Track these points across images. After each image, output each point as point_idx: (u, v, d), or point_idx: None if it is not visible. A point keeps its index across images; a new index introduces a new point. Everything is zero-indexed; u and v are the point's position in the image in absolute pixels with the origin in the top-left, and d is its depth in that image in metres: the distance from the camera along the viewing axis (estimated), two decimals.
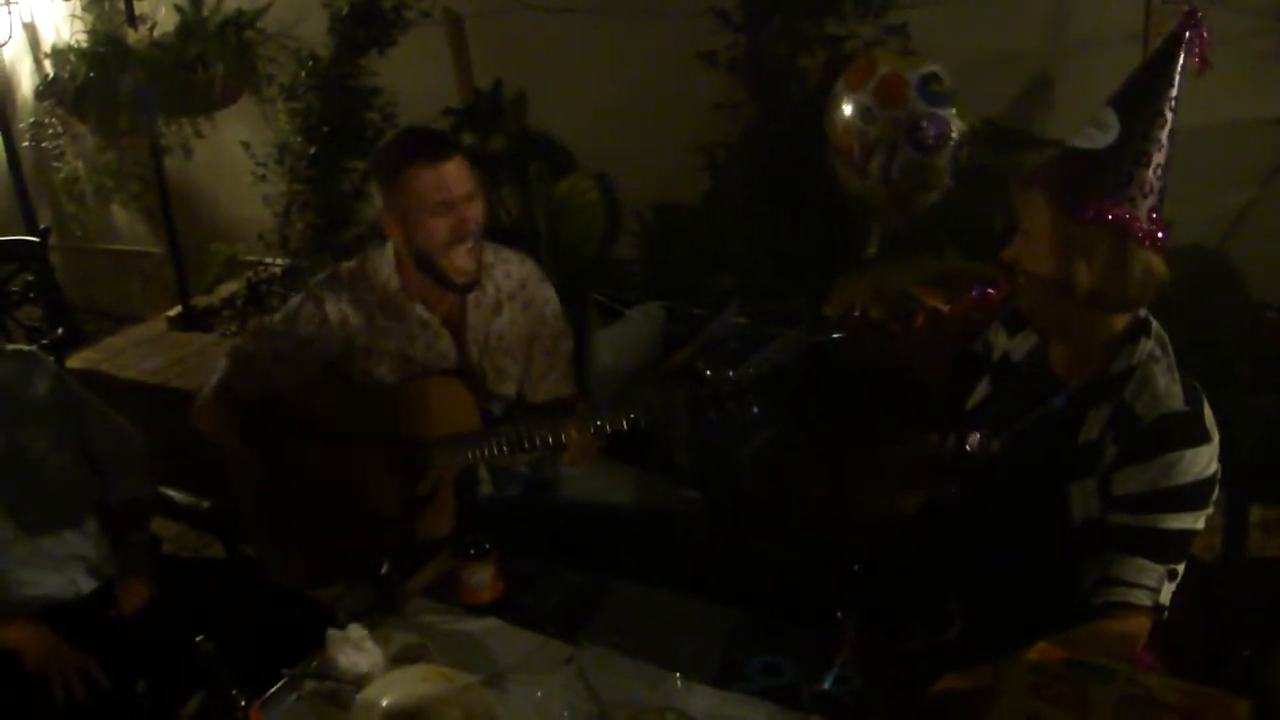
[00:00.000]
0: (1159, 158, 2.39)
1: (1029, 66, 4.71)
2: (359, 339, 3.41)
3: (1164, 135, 2.39)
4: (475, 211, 3.26)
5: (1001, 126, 4.69)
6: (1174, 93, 2.39)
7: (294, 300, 3.51)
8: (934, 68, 4.36)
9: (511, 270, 3.54)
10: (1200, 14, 2.39)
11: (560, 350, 3.62)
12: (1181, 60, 2.39)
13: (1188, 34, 2.39)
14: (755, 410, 2.99)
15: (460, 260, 3.26)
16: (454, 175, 3.20)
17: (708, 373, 2.96)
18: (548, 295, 3.59)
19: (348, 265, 3.49)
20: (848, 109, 4.42)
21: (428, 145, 3.24)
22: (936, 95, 4.33)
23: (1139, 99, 2.40)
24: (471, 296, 3.43)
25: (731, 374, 2.96)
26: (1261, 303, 4.39)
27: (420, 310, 3.40)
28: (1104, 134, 2.40)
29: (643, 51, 5.44)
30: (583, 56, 5.65)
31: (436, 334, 3.42)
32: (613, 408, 3.16)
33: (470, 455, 3.29)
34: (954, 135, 4.34)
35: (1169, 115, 2.39)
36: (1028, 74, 4.72)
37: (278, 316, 3.51)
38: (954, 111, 4.35)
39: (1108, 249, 2.40)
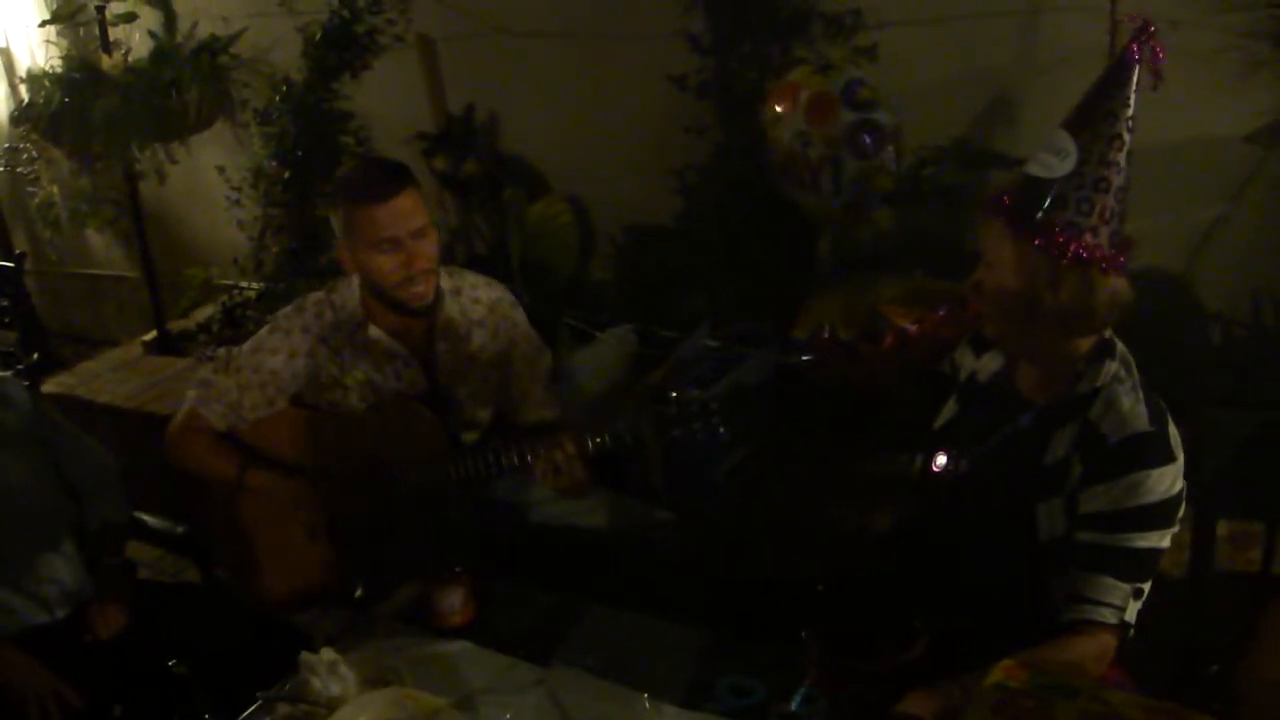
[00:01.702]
0: (1119, 180, 2.38)
1: (997, 86, 4.73)
2: (326, 369, 3.43)
3: (1123, 157, 2.38)
4: (426, 246, 3.24)
5: (970, 146, 4.71)
6: (1130, 112, 2.37)
7: (261, 331, 3.52)
8: (855, 75, 4.41)
9: (480, 295, 3.52)
10: (1153, 28, 2.38)
11: (538, 373, 3.61)
12: (1136, 77, 2.38)
13: (1141, 49, 2.39)
14: (722, 432, 3.00)
15: (413, 290, 3.26)
16: (401, 212, 3.17)
17: (674, 395, 2.97)
18: (518, 319, 3.58)
19: (315, 296, 3.49)
20: (785, 134, 4.46)
21: (374, 184, 3.20)
22: (864, 102, 4.38)
23: (1096, 122, 2.39)
24: (440, 324, 3.43)
25: (697, 395, 2.97)
26: (1231, 318, 4.41)
27: (386, 340, 3.40)
28: (1061, 161, 2.38)
29: (614, 75, 5.46)
30: (554, 80, 5.67)
31: (404, 363, 3.43)
32: (577, 433, 3.17)
33: (440, 479, 3.31)
34: (888, 134, 4.42)
35: (1127, 136, 2.38)
36: (995, 93, 4.75)
37: (245, 347, 3.51)
38: (884, 113, 4.41)
39: (1073, 279, 2.40)
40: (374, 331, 3.39)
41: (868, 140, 4.39)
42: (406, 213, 3.18)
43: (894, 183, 4.54)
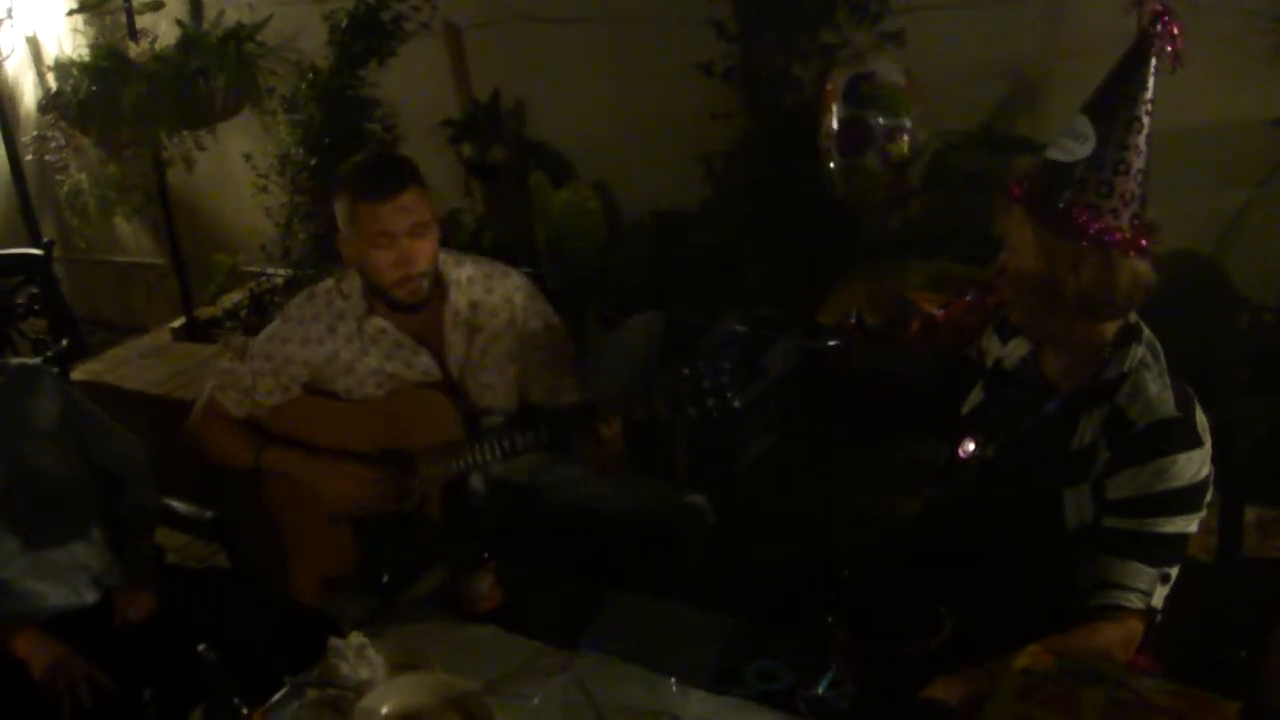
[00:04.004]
0: (1138, 164, 2.38)
1: (1022, 72, 4.72)
2: (339, 357, 3.45)
3: (1141, 140, 2.38)
4: (424, 245, 3.26)
5: (995, 131, 4.70)
6: (1149, 95, 2.38)
7: (274, 322, 3.57)
8: (866, 69, 4.41)
9: (494, 285, 3.51)
10: (1169, 12, 2.37)
11: (563, 360, 3.59)
12: (1154, 61, 2.38)
13: (1158, 33, 2.38)
14: (738, 407, 3.00)
15: (407, 286, 3.28)
16: (400, 209, 3.19)
17: (685, 371, 2.97)
18: (539, 307, 3.57)
19: (325, 285, 3.52)
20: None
21: (375, 182, 3.22)
22: (865, 98, 4.37)
23: (1114, 105, 2.39)
24: (448, 315, 3.44)
25: (708, 370, 2.97)
26: (1259, 304, 4.40)
27: (391, 330, 3.42)
28: (1080, 145, 2.39)
29: (640, 61, 5.46)
30: (581, 67, 5.68)
31: (413, 351, 3.44)
32: (605, 407, 3.18)
33: (458, 464, 3.33)
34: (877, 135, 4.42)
35: (1145, 119, 2.38)
36: (1021, 79, 4.74)
37: (260, 337, 3.56)
38: (881, 113, 4.41)
39: (1093, 261, 2.40)
40: (378, 322, 3.42)
41: (856, 137, 4.37)
42: (409, 208, 3.21)
43: (884, 190, 4.54)
